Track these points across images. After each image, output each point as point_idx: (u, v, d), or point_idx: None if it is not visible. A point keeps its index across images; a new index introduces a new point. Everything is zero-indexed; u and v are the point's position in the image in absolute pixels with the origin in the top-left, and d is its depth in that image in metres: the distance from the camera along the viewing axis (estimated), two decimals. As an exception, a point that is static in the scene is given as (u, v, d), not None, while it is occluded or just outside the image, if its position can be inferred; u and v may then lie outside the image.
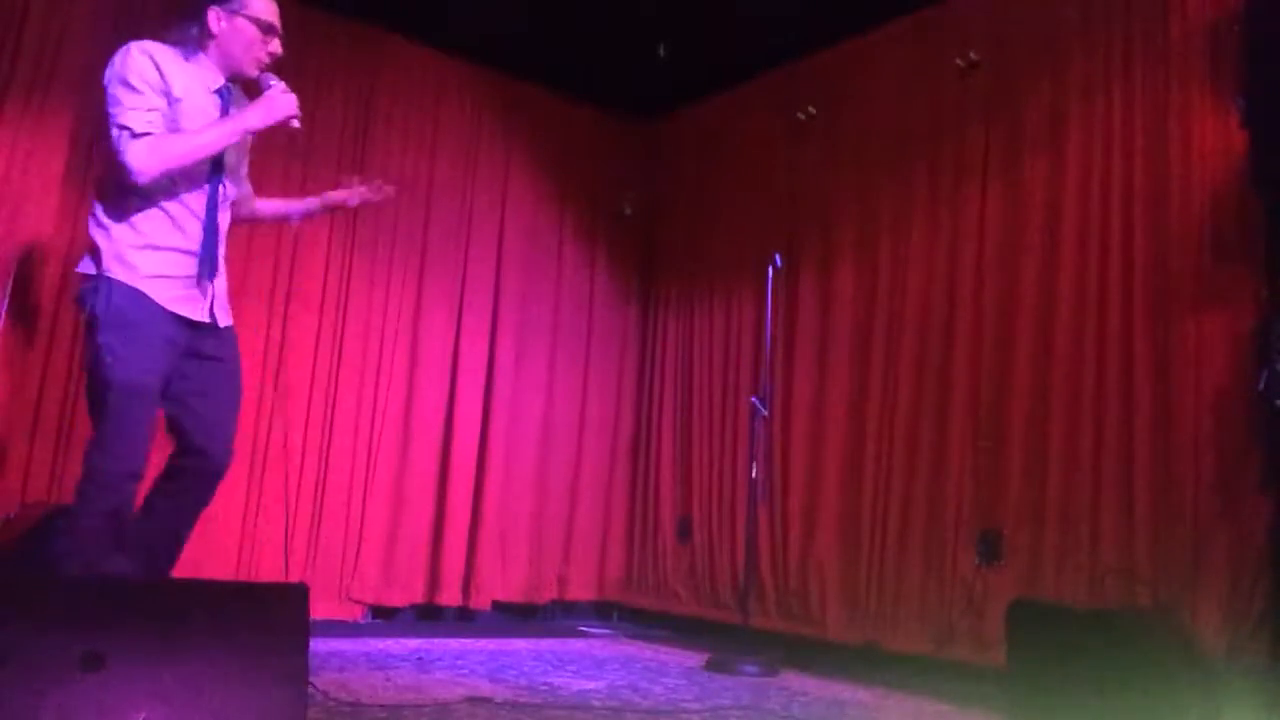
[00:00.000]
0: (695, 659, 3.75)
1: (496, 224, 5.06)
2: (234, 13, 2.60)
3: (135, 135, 2.41)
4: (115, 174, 2.44)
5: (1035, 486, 3.57)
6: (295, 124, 2.59)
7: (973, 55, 4.04)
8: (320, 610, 4.13)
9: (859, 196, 4.47)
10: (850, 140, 4.56)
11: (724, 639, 4.08)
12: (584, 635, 4.51)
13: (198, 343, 2.56)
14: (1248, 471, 3.00)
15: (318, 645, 3.38)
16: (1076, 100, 3.70)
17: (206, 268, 2.58)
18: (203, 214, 2.58)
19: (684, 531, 5.04)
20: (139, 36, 2.52)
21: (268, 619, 1.77)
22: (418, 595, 4.58)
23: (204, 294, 2.57)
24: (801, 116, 4.74)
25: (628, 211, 5.52)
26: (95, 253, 2.45)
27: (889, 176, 4.35)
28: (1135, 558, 3.22)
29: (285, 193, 4.30)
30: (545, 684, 3.00)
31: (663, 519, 5.13)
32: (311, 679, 2.25)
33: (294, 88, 2.97)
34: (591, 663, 3.57)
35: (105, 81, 2.47)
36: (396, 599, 4.51)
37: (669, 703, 2.84)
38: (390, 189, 2.94)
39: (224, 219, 2.67)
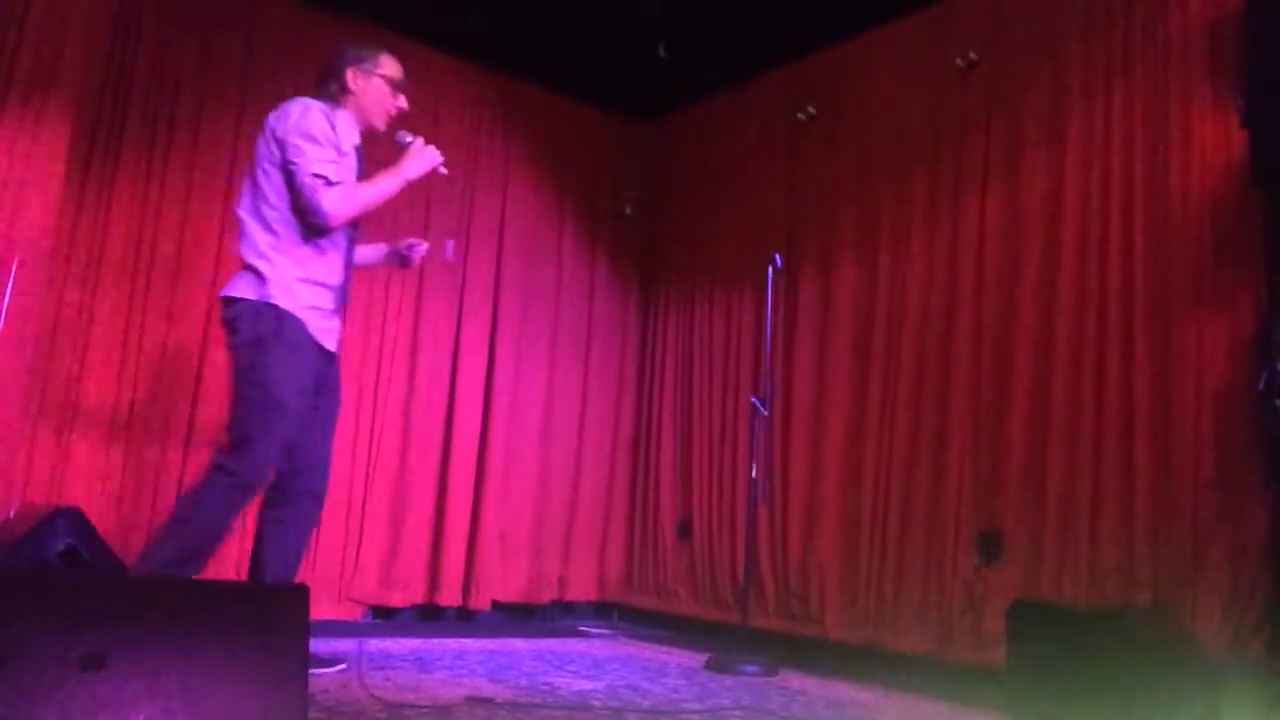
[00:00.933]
0: (695, 659, 3.75)
1: (496, 224, 5.06)
2: (369, 72, 2.92)
3: (330, 183, 2.72)
4: (305, 216, 2.74)
5: (1035, 486, 3.57)
6: (443, 170, 2.93)
7: (973, 55, 4.04)
8: (320, 610, 4.13)
9: (859, 197, 4.47)
10: (850, 140, 4.56)
11: (724, 639, 4.08)
12: (584, 635, 4.51)
13: (323, 370, 2.83)
14: (1248, 471, 3.00)
15: (318, 645, 3.38)
16: (1076, 100, 3.70)
17: (343, 299, 2.91)
18: (344, 250, 2.88)
19: (684, 531, 5.04)
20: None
21: (268, 619, 1.77)
22: (418, 595, 4.58)
23: (337, 326, 2.89)
24: (801, 116, 4.74)
25: (628, 211, 5.52)
26: (259, 280, 2.70)
27: (889, 176, 4.35)
28: (1135, 558, 3.22)
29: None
30: (545, 684, 3.00)
31: (663, 519, 5.13)
32: (311, 679, 2.25)
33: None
34: (591, 663, 3.57)
35: (281, 132, 2.74)
36: (396, 599, 4.51)
37: (669, 703, 2.84)
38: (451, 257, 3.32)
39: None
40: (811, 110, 4.71)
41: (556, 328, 5.22)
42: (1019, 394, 3.69)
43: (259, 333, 2.67)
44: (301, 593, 1.86)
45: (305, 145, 2.71)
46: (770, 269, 4.05)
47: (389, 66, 2.97)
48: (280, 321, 2.68)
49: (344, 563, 4.38)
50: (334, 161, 2.75)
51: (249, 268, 2.72)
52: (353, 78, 2.90)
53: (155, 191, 4.02)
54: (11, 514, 3.44)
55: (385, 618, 4.47)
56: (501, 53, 4.96)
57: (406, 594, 4.54)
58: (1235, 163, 3.17)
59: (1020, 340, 3.72)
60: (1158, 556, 3.17)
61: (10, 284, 3.41)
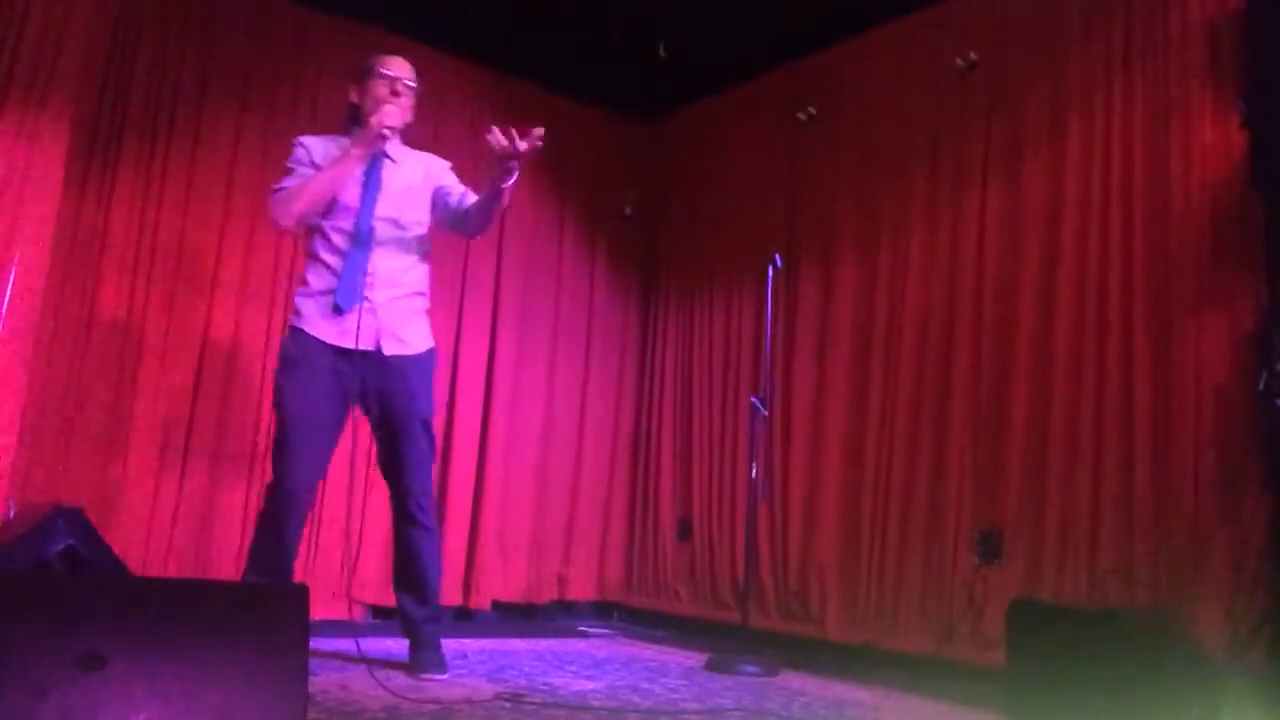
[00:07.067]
0: (695, 659, 3.75)
1: (496, 224, 5.04)
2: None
3: None
4: None
5: (1035, 486, 3.57)
6: (381, 126, 2.93)
7: (973, 55, 4.04)
8: (320, 610, 4.13)
9: (859, 196, 4.47)
10: (850, 140, 4.56)
11: (724, 639, 4.08)
12: (584, 635, 4.51)
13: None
14: (1248, 471, 3.00)
15: (318, 645, 3.38)
16: (1076, 100, 3.70)
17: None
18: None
19: (684, 531, 5.04)
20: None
21: (268, 619, 1.77)
22: (418, 595, 4.57)
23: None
24: (801, 116, 4.74)
25: (628, 211, 5.52)
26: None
27: (889, 176, 4.35)
28: (1135, 558, 3.22)
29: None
30: (545, 684, 3.00)
31: (663, 519, 5.13)
32: (311, 679, 2.25)
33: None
34: (591, 663, 3.57)
35: None
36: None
37: (669, 703, 2.84)
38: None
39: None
40: (811, 110, 4.71)
41: (556, 327, 5.22)
42: (1019, 393, 3.68)
43: None
44: (301, 593, 1.86)
45: None
46: (770, 269, 4.05)
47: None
48: None
49: (344, 563, 4.37)
50: None
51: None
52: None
53: (155, 191, 4.01)
54: (11, 514, 3.43)
55: (385, 618, 4.46)
56: (502, 53, 4.96)
57: (406, 594, 4.52)
58: (1235, 163, 3.16)
59: (1020, 340, 3.72)
60: (1158, 556, 3.17)
61: (10, 283, 3.40)
